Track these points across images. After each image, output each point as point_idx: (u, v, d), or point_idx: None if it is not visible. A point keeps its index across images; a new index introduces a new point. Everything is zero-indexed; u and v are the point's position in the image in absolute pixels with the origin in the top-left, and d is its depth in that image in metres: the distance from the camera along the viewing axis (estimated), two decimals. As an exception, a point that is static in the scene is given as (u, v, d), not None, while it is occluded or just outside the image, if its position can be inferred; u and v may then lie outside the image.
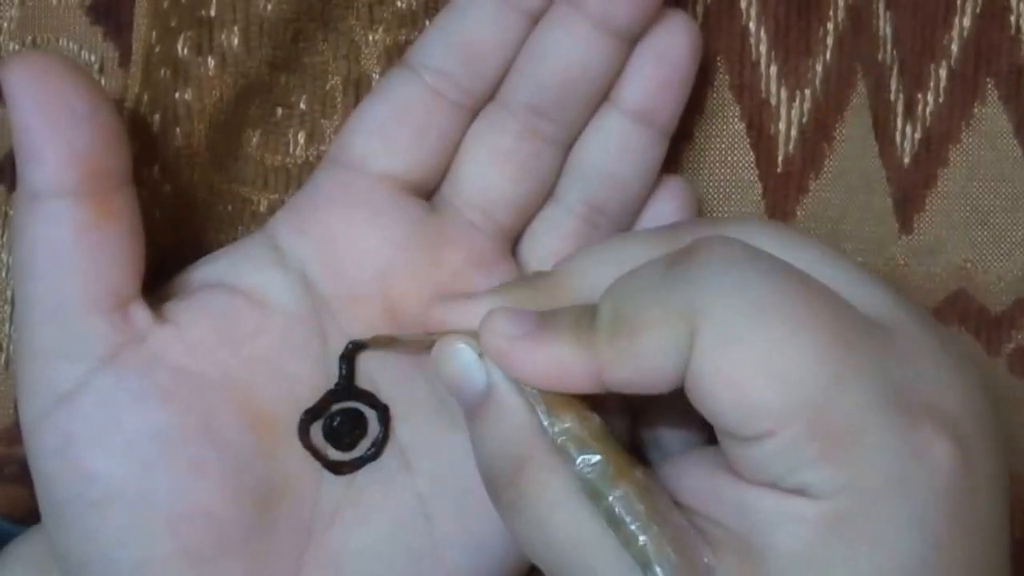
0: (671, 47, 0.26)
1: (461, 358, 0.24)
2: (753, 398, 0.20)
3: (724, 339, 0.20)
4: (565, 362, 0.22)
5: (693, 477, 0.22)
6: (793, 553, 0.20)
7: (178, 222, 0.28)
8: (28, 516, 0.25)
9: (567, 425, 0.22)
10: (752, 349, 0.20)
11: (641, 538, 0.20)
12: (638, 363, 0.21)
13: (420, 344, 0.25)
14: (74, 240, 0.23)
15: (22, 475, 0.24)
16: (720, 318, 0.20)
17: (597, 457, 0.22)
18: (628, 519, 0.21)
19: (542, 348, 0.22)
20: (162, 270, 0.26)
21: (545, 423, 0.22)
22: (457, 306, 0.24)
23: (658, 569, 0.20)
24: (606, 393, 0.22)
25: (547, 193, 0.27)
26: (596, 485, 0.21)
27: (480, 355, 0.23)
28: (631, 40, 0.26)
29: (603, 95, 0.27)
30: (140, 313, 0.24)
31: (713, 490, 0.21)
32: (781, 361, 0.20)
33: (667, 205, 0.28)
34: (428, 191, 0.27)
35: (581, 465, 0.22)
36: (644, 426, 0.26)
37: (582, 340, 0.22)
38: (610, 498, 0.21)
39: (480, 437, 0.23)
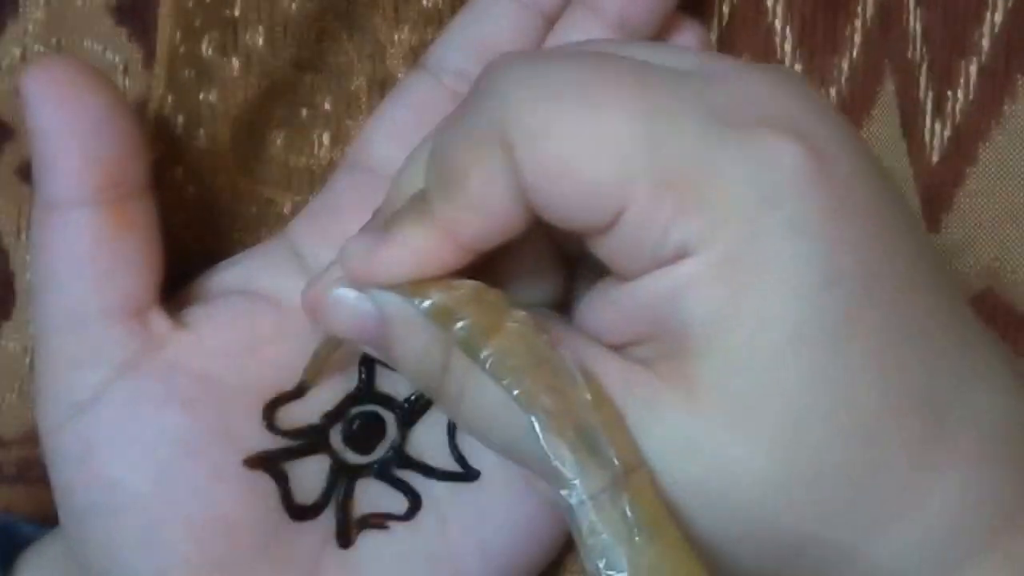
0: None
1: (343, 303, 0.22)
2: (584, 182, 0.19)
3: (536, 139, 0.19)
4: (417, 245, 0.20)
5: (597, 310, 0.21)
6: (705, 317, 0.19)
7: (202, 224, 0.28)
8: (53, 518, 0.25)
9: (429, 302, 0.21)
10: (562, 136, 0.19)
11: (515, 392, 0.19)
12: (479, 209, 0.20)
13: (335, 345, 0.24)
14: (91, 249, 0.23)
15: (46, 477, 0.24)
16: (526, 123, 0.19)
17: (463, 321, 0.20)
18: (502, 376, 0.20)
19: (393, 244, 0.21)
20: (186, 272, 0.26)
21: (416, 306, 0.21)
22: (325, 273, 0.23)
23: (533, 419, 0.19)
24: (485, 256, 0.21)
25: None
26: (471, 349, 0.20)
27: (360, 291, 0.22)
28: None
29: None
30: (158, 320, 0.24)
31: (617, 312, 0.20)
32: (592, 136, 0.19)
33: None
34: None
35: (456, 333, 0.20)
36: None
37: (424, 216, 0.20)
38: (483, 357, 0.20)
39: (399, 361, 0.22)
